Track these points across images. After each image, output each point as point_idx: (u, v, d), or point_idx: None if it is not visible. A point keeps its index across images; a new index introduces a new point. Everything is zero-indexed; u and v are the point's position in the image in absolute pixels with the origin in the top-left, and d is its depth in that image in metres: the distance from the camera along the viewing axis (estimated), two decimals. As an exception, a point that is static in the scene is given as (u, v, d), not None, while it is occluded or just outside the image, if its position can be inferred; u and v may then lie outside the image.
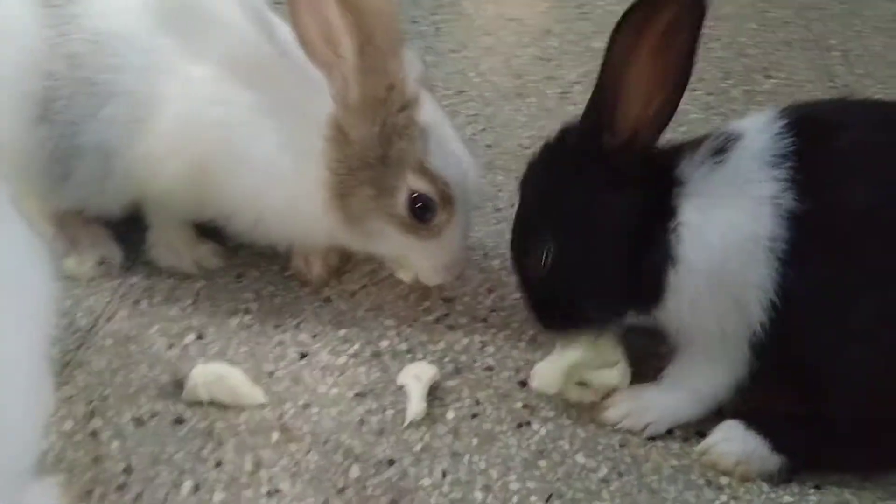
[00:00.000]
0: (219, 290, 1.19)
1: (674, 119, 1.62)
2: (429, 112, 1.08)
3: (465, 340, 1.16)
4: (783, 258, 0.91)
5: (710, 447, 1.02)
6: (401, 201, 1.07)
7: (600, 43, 1.83)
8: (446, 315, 1.20)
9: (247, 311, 1.16)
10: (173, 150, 1.08)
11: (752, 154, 0.95)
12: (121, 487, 0.93)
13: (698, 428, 1.04)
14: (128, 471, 0.94)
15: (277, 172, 1.07)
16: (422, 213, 1.08)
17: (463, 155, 1.11)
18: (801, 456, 1.00)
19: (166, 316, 1.14)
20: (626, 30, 0.88)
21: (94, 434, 0.98)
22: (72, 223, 1.16)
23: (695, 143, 1.00)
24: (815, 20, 2.16)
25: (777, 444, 1.00)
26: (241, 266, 1.23)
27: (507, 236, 1.08)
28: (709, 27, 2.03)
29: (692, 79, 1.80)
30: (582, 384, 1.08)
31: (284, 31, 1.09)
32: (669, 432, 1.04)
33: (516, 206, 1.04)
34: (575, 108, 1.68)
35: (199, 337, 1.11)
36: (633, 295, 0.98)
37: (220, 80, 1.07)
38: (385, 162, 1.06)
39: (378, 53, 1.01)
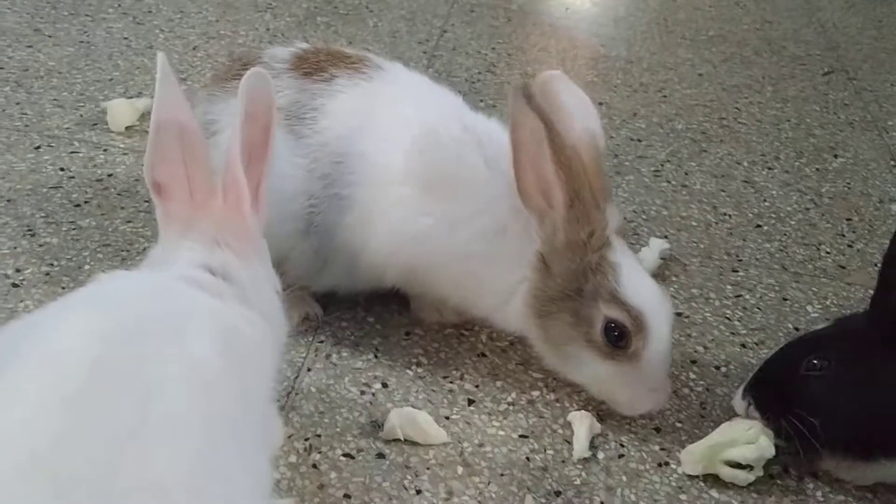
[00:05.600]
0: (393, 346, 1.39)
1: (758, 195, 1.85)
2: (620, 253, 1.23)
3: (604, 391, 1.37)
4: None
5: None
6: (597, 328, 1.21)
7: (682, 125, 2.06)
8: (584, 369, 1.40)
9: (419, 364, 1.37)
10: (391, 253, 1.29)
11: None
12: (344, 510, 1.13)
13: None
14: (347, 496, 1.14)
15: (477, 269, 1.28)
16: (617, 339, 1.20)
17: (653, 287, 1.24)
18: None
19: (354, 367, 1.34)
20: None
21: (315, 466, 1.18)
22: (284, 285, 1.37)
23: None
24: (871, 102, 2.38)
25: None
26: (408, 326, 1.44)
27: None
28: (777, 109, 2.27)
29: (767, 157, 2.04)
30: (730, 464, 1.22)
31: (495, 147, 1.28)
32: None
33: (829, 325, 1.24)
34: (668, 184, 1.90)
35: (384, 385, 1.32)
36: (883, 443, 1.16)
37: (428, 195, 1.27)
38: (581, 294, 1.21)
39: (583, 206, 1.20)
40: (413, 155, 1.29)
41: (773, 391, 1.21)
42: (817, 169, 2.03)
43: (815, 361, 1.17)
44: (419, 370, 1.36)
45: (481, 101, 2.11)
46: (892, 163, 2.10)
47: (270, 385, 1.04)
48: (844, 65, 2.58)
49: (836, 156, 2.10)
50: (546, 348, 1.29)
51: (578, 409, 1.31)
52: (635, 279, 1.22)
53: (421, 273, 1.33)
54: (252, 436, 0.93)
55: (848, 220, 1.86)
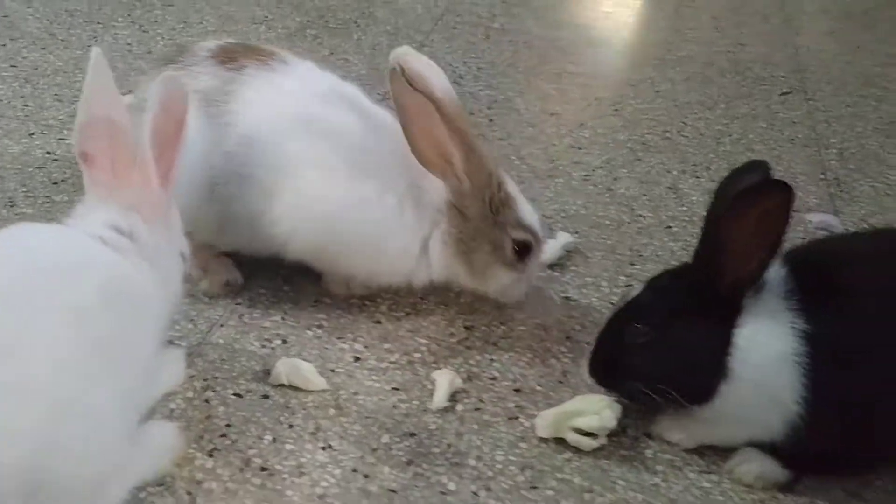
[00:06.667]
0: (301, 311, 1.60)
1: (678, 200, 2.01)
2: (510, 185, 1.55)
3: (479, 357, 1.55)
4: (804, 365, 1.25)
5: (733, 466, 1.37)
6: (508, 250, 1.52)
7: (625, 136, 2.22)
8: (466, 338, 1.59)
9: (319, 327, 1.58)
10: (293, 231, 1.51)
11: (773, 291, 1.29)
12: (223, 436, 1.34)
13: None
14: (228, 426, 1.35)
15: (387, 237, 1.52)
16: (524, 255, 1.54)
17: (531, 208, 1.57)
18: (802, 470, 1.35)
19: (262, 326, 1.56)
20: (735, 209, 1.23)
21: (207, 401, 1.39)
22: (205, 254, 1.60)
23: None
24: (821, 122, 2.51)
25: (785, 462, 1.34)
26: (319, 295, 1.65)
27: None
28: (723, 125, 2.42)
29: (698, 167, 2.19)
30: (577, 430, 1.38)
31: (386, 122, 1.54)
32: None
33: (644, 290, 1.39)
34: (594, 188, 2.08)
35: (284, 342, 1.53)
36: (691, 391, 1.31)
37: (324, 177, 1.49)
38: (495, 225, 1.52)
39: (476, 154, 1.49)
40: (316, 142, 1.51)
41: (607, 364, 1.38)
42: (744, 179, 2.18)
43: (638, 326, 1.34)
44: (318, 331, 1.57)
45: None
46: (821, 177, 2.23)
47: (160, 329, 1.27)
48: (806, 86, 2.71)
49: (767, 168, 2.24)
50: (471, 278, 1.57)
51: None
52: (526, 206, 1.56)
53: (330, 251, 1.55)
54: (127, 367, 1.15)
55: (758, 225, 2.01)
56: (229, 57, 1.56)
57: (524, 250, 1.54)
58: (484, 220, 1.52)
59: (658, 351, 1.32)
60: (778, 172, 2.19)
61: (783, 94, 2.65)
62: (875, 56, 3.00)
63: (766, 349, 1.26)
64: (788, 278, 1.31)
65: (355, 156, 1.51)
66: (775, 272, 1.32)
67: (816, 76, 2.79)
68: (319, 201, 1.50)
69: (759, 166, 1.42)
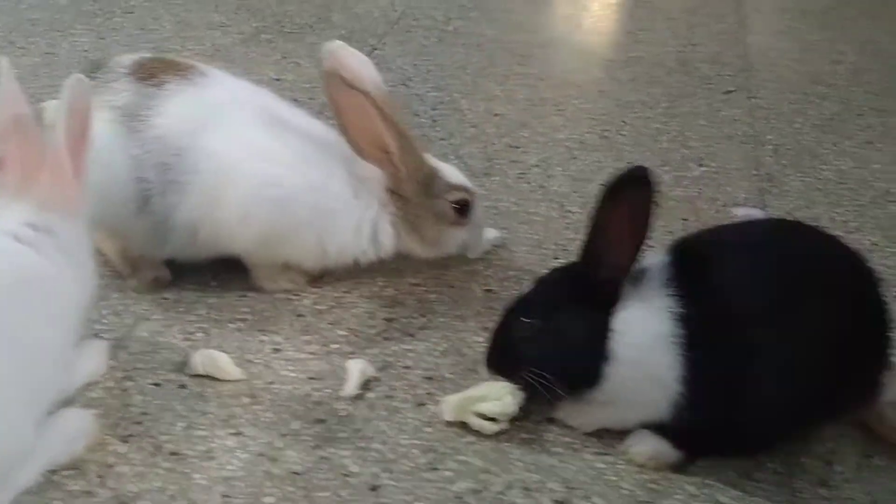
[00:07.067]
0: (226, 305, 1.67)
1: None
2: (431, 159, 1.71)
3: (395, 348, 1.62)
4: (681, 345, 1.31)
5: (627, 448, 1.43)
6: (451, 213, 1.68)
7: (564, 135, 2.28)
8: (385, 330, 1.66)
9: (242, 320, 1.64)
10: (242, 222, 1.58)
11: (654, 278, 1.36)
12: (138, 423, 1.40)
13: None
14: (145, 413, 1.42)
15: (337, 220, 1.64)
16: (464, 210, 1.70)
17: (452, 167, 1.75)
18: (693, 450, 1.41)
19: (185, 320, 1.62)
20: (604, 204, 1.29)
21: (125, 390, 1.46)
22: (134, 254, 1.67)
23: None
24: (761, 118, 2.57)
25: (676, 443, 1.41)
26: (245, 290, 1.72)
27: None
28: (662, 123, 2.48)
29: (632, 165, 2.24)
30: (480, 415, 1.45)
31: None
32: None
33: (533, 286, 1.46)
34: (528, 185, 2.14)
35: (206, 334, 1.60)
36: (577, 375, 1.37)
37: (272, 165, 1.59)
38: (430, 197, 1.67)
39: (407, 141, 1.62)
40: (258, 137, 1.60)
41: (501, 358, 1.44)
42: (676, 176, 2.24)
43: (525, 320, 1.40)
44: (241, 325, 1.64)
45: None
46: (754, 172, 2.29)
47: (77, 321, 1.34)
48: (750, 84, 2.77)
49: (701, 165, 2.31)
50: (424, 248, 1.72)
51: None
52: (449, 168, 1.73)
53: (281, 237, 1.63)
54: (37, 356, 1.23)
55: (684, 219, 2.07)
56: (148, 73, 1.61)
57: (464, 206, 1.69)
58: (420, 197, 1.66)
59: (544, 341, 1.38)
60: (711, 168, 2.29)
61: (727, 92, 2.71)
62: (826, 54, 3.06)
63: (643, 331, 1.32)
64: (670, 266, 1.37)
65: (297, 147, 1.62)
66: (659, 261, 1.39)
67: (762, 74, 2.85)
68: (271, 187, 1.59)
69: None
